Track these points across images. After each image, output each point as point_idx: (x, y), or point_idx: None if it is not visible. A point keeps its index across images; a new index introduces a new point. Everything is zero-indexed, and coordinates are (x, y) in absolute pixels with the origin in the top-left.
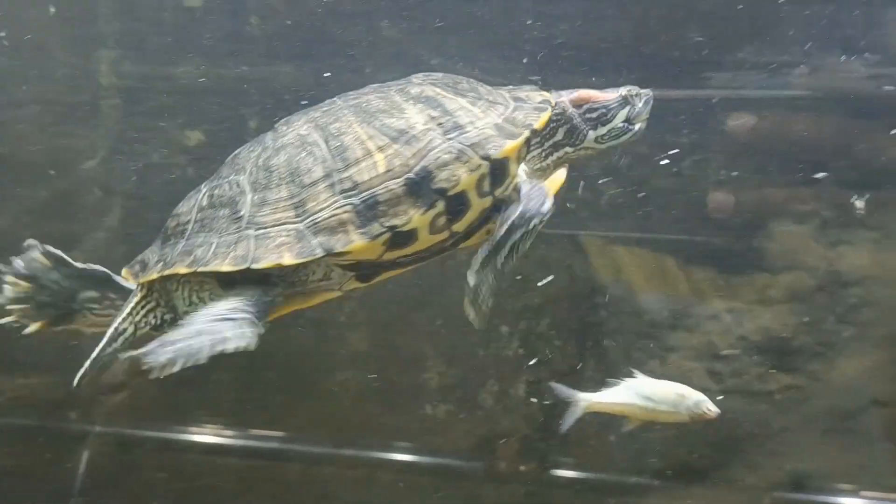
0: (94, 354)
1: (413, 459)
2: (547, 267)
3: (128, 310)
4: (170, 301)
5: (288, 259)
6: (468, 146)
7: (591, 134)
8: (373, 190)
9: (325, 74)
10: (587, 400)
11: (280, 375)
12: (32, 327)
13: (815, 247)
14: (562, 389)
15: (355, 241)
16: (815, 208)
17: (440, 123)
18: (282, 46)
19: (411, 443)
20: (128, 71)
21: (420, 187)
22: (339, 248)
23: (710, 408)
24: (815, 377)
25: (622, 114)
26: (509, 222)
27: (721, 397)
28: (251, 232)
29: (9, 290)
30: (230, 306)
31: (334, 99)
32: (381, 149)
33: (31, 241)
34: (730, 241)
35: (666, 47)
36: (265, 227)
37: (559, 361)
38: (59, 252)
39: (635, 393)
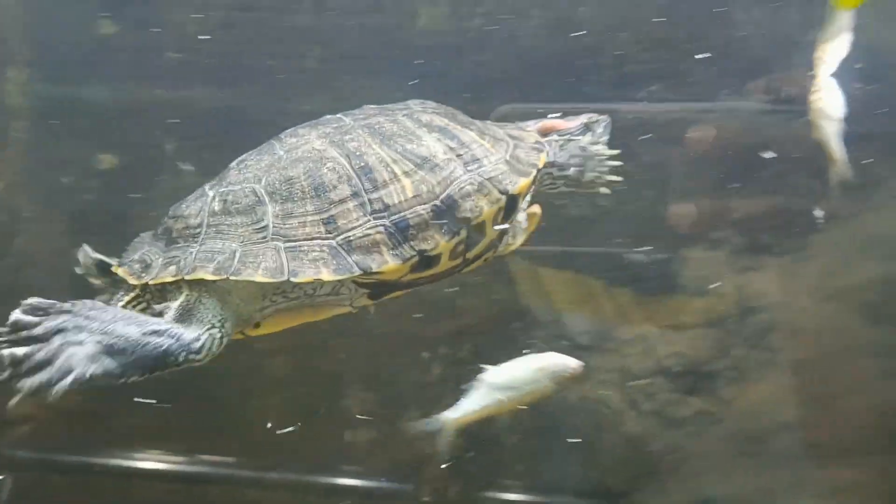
0: None
1: (340, 482)
2: (469, 290)
3: (126, 301)
4: (163, 302)
5: (326, 275)
6: (487, 179)
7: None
8: (403, 213)
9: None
10: (450, 418)
11: (200, 400)
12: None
13: (726, 272)
14: (428, 423)
15: (389, 263)
16: (726, 235)
17: (459, 155)
18: (198, 70)
19: (334, 468)
20: (38, 92)
21: (446, 215)
22: (374, 268)
23: (572, 365)
24: (725, 402)
25: (584, 139)
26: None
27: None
28: (280, 244)
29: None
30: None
31: (338, 116)
32: (406, 174)
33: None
34: (649, 264)
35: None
36: (295, 241)
37: None
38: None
39: (494, 387)
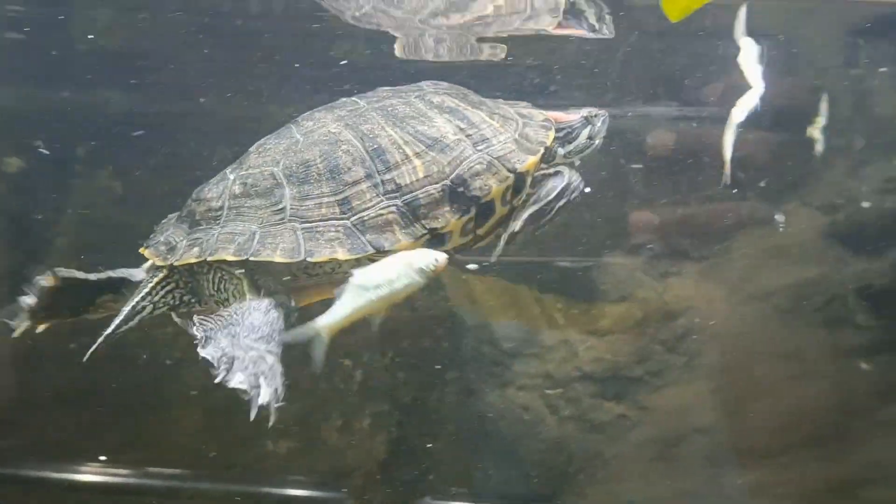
0: (108, 331)
1: (265, 491)
2: None
3: (147, 289)
4: (194, 284)
5: (342, 254)
6: (496, 158)
7: (560, 151)
8: (414, 193)
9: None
10: (324, 324)
11: (116, 412)
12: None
13: (645, 278)
14: (295, 333)
15: (401, 241)
16: (647, 241)
17: (468, 135)
18: (108, 71)
19: (253, 479)
20: None
21: (456, 194)
22: (387, 247)
23: (439, 258)
24: (644, 406)
25: (585, 132)
26: (559, 189)
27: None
28: (297, 224)
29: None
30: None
31: (353, 98)
32: (418, 154)
33: (38, 278)
34: (575, 270)
35: None
36: (311, 221)
37: (403, 394)
38: (73, 273)
39: (363, 287)
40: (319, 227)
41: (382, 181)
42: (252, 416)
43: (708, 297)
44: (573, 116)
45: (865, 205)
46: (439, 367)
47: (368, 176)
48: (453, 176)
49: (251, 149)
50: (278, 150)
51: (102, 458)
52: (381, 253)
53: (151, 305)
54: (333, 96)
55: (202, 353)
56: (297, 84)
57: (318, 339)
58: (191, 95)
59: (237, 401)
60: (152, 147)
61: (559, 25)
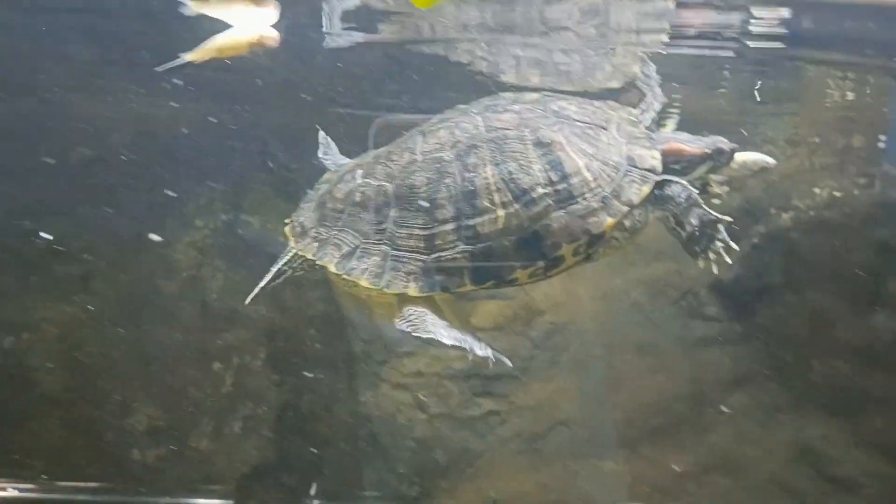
0: (261, 284)
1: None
2: (259, 299)
3: (288, 257)
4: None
5: (413, 291)
6: (575, 218)
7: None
8: (490, 244)
9: None
10: None
11: None
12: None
13: None
14: None
15: (467, 286)
16: None
17: (557, 190)
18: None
19: (122, 490)
20: None
21: (528, 249)
22: (452, 289)
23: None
24: (511, 402)
25: (703, 168)
26: (685, 199)
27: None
28: (387, 249)
29: None
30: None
31: (485, 111)
32: (503, 205)
33: None
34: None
35: None
36: (400, 250)
37: (276, 396)
38: None
39: None
40: (404, 258)
41: (465, 225)
42: (483, 356)
43: (573, 295)
44: (696, 149)
45: (716, 201)
46: (312, 368)
47: (456, 218)
48: (530, 231)
49: (382, 151)
50: (400, 164)
51: None
52: (447, 292)
53: (291, 270)
54: None
55: (417, 335)
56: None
57: None
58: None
59: (100, 409)
60: None
61: None
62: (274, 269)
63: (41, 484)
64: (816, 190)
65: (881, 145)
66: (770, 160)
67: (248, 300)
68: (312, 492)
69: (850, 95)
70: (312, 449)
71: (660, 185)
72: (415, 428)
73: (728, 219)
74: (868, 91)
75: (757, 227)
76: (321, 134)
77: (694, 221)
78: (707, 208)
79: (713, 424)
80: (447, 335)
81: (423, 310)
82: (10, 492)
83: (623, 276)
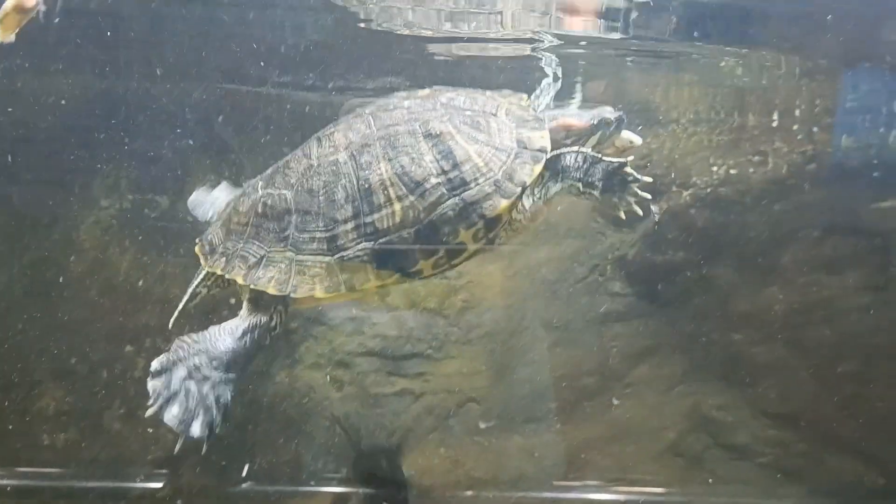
0: (179, 307)
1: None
2: (172, 280)
3: (200, 278)
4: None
5: (319, 292)
6: (469, 204)
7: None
8: (390, 237)
9: None
10: None
11: None
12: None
13: None
14: None
15: (371, 281)
16: None
17: (449, 178)
18: None
19: (30, 475)
20: None
21: (427, 238)
22: (358, 286)
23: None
24: (424, 379)
25: (594, 138)
26: (582, 162)
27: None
28: (291, 255)
29: None
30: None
31: (369, 114)
32: (399, 198)
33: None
34: None
35: None
36: (303, 254)
37: None
38: None
39: None
40: (308, 262)
41: (364, 223)
42: (176, 449)
43: (486, 272)
44: (585, 122)
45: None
46: None
47: (355, 216)
48: (426, 221)
49: (280, 162)
50: (298, 171)
51: None
52: (353, 291)
53: (206, 289)
54: None
55: (149, 383)
56: None
57: None
58: None
59: (7, 393)
60: None
61: None
62: (189, 290)
63: None
64: (714, 168)
65: (773, 124)
66: (637, 138)
67: (170, 323)
68: (244, 473)
69: (744, 78)
70: (228, 430)
71: (555, 160)
72: (328, 407)
73: (628, 159)
74: (761, 74)
75: (660, 203)
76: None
77: (600, 176)
78: (608, 159)
79: (617, 397)
80: (171, 407)
81: (206, 347)
82: None
83: (534, 255)
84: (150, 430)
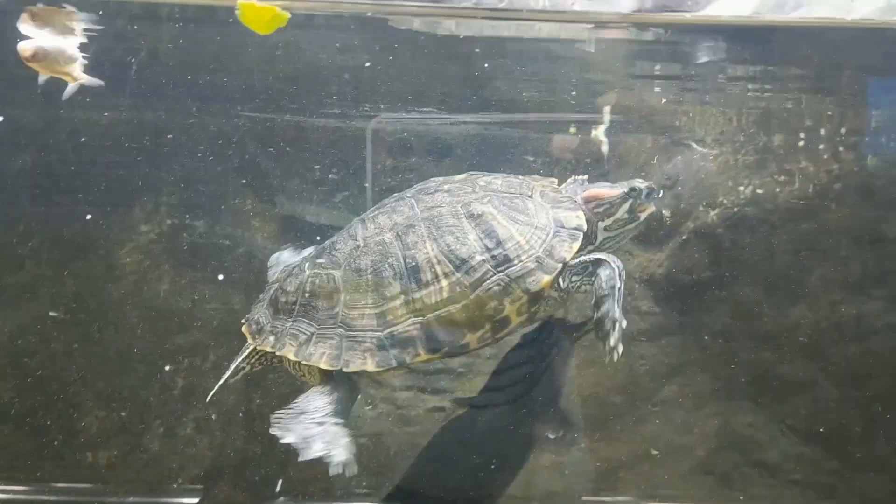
0: (220, 382)
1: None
2: (204, 302)
3: (245, 353)
4: (277, 358)
5: (371, 367)
6: (513, 280)
7: (600, 225)
8: (438, 312)
9: None
10: None
11: None
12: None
13: None
14: None
15: (421, 356)
16: None
17: (493, 256)
18: None
19: (75, 492)
20: None
21: (473, 312)
22: (408, 361)
23: None
24: (452, 396)
25: (625, 206)
26: (615, 277)
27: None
28: (343, 331)
29: None
30: (324, 414)
31: (411, 198)
32: (446, 275)
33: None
34: None
35: None
36: (354, 330)
37: (226, 397)
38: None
39: None
40: (359, 337)
41: (413, 299)
42: (333, 472)
43: None
44: (615, 192)
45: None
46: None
47: (403, 293)
48: (473, 296)
49: (327, 243)
50: (344, 252)
51: None
52: (403, 366)
53: (249, 366)
54: None
55: (284, 442)
56: None
57: None
58: None
59: (51, 413)
60: None
61: None
62: (233, 366)
63: None
64: (741, 188)
65: (800, 144)
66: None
67: (208, 398)
68: (277, 489)
69: (770, 98)
70: (264, 449)
71: (597, 263)
72: (363, 425)
73: (624, 323)
74: (787, 93)
75: (687, 223)
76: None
77: (604, 311)
78: (618, 307)
79: (646, 415)
80: (312, 445)
81: (304, 409)
82: None
83: None
84: (187, 448)
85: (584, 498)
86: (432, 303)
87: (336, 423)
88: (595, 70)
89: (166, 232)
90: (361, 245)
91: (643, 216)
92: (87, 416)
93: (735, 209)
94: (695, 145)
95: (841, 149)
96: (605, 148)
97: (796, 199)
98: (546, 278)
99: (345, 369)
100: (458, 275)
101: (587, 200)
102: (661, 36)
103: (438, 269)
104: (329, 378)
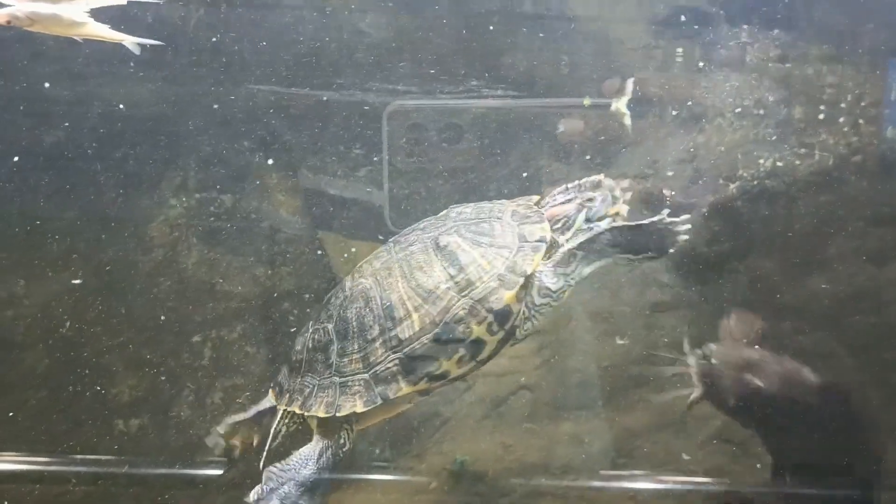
0: (266, 447)
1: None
2: (232, 274)
3: (279, 417)
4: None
5: (360, 407)
6: (477, 301)
7: (561, 238)
8: (412, 346)
9: None
10: None
11: None
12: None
13: None
14: None
15: (403, 389)
16: None
17: (457, 282)
18: None
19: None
20: None
21: (445, 339)
22: (391, 396)
23: None
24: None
25: (581, 217)
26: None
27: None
28: (336, 379)
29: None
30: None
31: (399, 237)
32: (416, 308)
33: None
34: None
35: None
36: (345, 376)
37: (254, 367)
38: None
39: None
40: (349, 382)
41: (389, 337)
42: None
43: None
44: (568, 206)
45: (670, 173)
46: (287, 340)
47: (381, 332)
48: (441, 324)
49: (326, 298)
50: (335, 305)
51: None
52: (388, 402)
53: (285, 427)
54: None
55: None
56: None
57: None
58: None
59: (83, 382)
60: None
61: None
62: (272, 431)
63: (25, 455)
64: (760, 161)
65: (820, 117)
66: (624, 209)
67: (261, 464)
68: None
69: (790, 70)
70: None
71: (592, 242)
72: None
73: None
74: (807, 65)
75: (706, 196)
76: None
77: (643, 240)
78: (643, 220)
79: (661, 386)
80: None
81: (292, 470)
82: None
83: None
84: (215, 418)
85: (602, 472)
86: (406, 336)
87: (311, 499)
88: (616, 44)
89: (194, 206)
90: (348, 295)
91: (604, 224)
92: (118, 385)
93: (755, 182)
94: (715, 118)
95: (861, 121)
96: (627, 121)
97: (816, 172)
98: (507, 294)
99: (337, 414)
100: (426, 306)
101: (551, 220)
102: (681, 9)
103: (409, 305)
104: (325, 426)
